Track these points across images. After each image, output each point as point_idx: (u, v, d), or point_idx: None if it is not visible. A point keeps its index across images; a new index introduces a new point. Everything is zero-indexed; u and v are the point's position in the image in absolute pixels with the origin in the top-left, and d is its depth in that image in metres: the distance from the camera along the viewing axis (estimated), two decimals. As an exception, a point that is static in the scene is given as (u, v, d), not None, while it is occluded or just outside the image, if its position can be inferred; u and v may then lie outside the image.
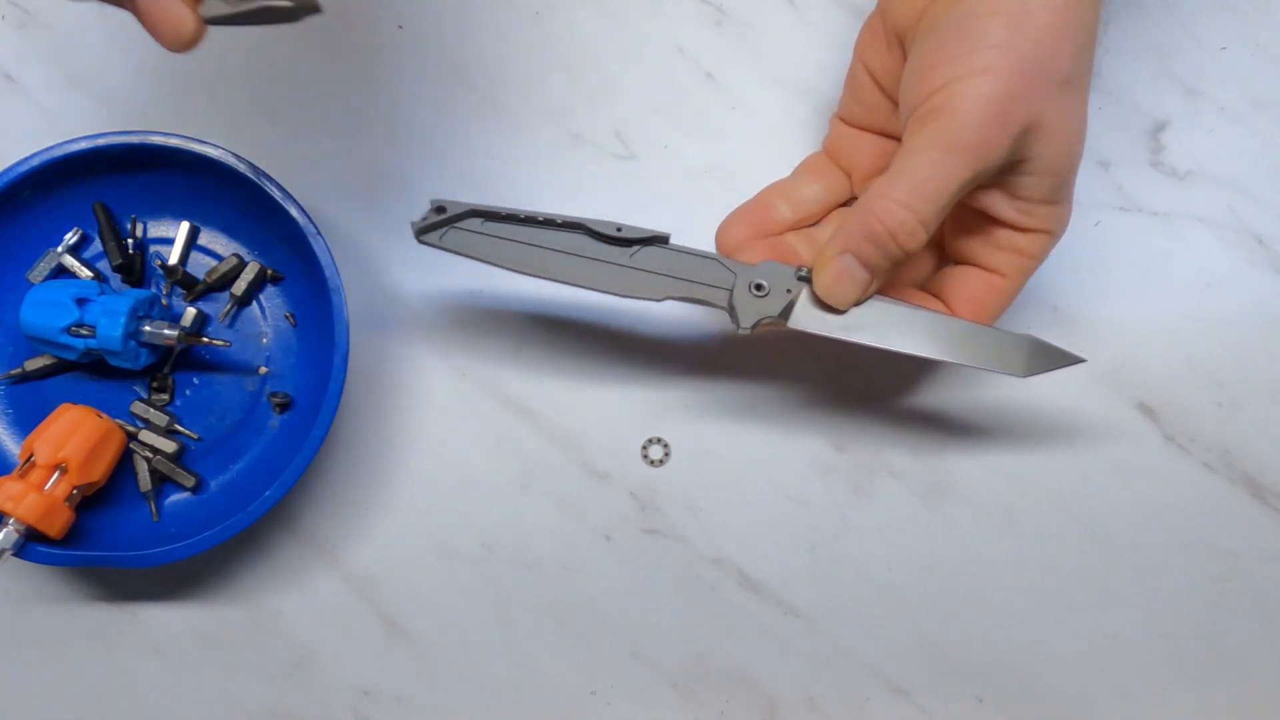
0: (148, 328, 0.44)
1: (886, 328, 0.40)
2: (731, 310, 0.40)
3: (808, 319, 0.40)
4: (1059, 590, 0.48)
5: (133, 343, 0.43)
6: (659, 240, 0.40)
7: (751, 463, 0.48)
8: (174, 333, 0.44)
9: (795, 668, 0.48)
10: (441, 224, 0.40)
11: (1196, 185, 0.49)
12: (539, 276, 0.40)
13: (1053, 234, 0.40)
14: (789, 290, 0.40)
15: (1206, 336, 0.49)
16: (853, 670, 0.48)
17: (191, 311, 0.46)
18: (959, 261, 0.43)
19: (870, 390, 0.49)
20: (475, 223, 0.40)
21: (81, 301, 0.43)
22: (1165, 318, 0.49)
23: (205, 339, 0.45)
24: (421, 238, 0.40)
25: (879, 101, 0.43)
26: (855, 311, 0.40)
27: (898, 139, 0.43)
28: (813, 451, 0.49)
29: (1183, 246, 0.49)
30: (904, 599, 0.48)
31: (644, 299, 0.40)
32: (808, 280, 0.40)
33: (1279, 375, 0.49)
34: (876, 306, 0.40)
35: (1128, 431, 0.49)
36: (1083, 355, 0.41)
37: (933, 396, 0.49)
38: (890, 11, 0.41)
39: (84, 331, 0.42)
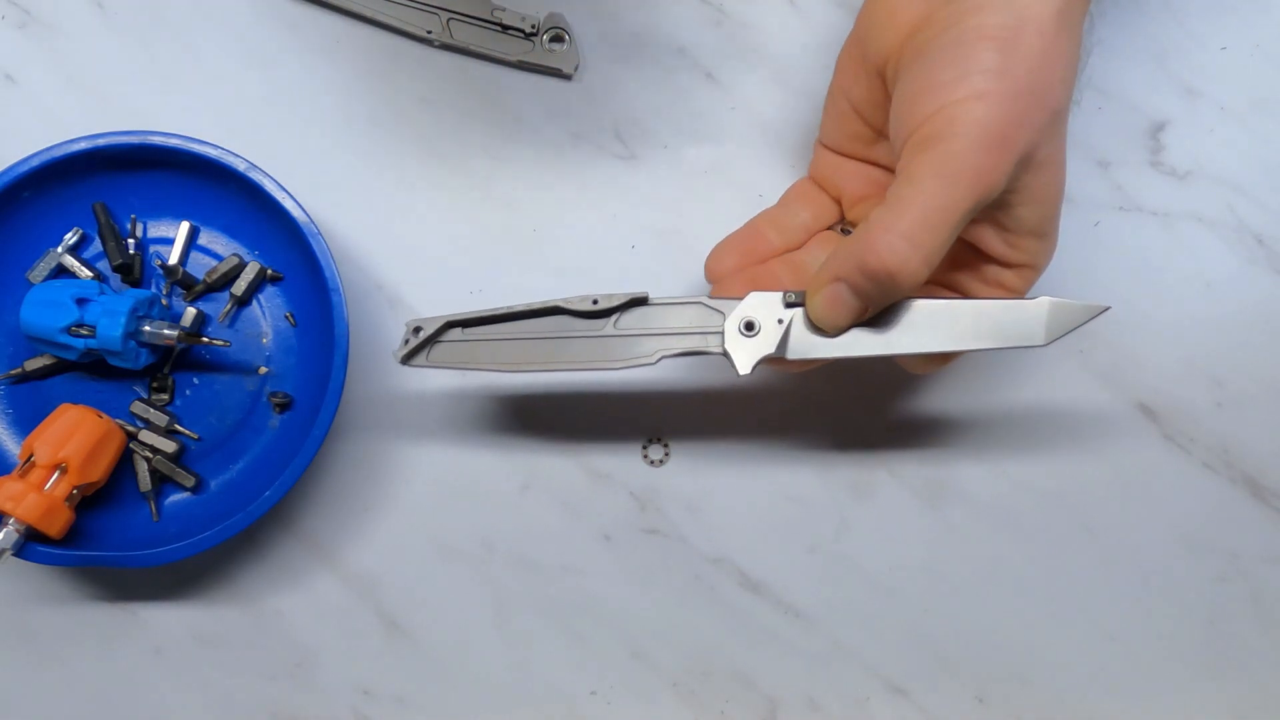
0: (148, 328, 0.44)
1: (891, 332, 0.38)
2: (727, 357, 0.39)
3: (805, 345, 0.39)
4: (1059, 590, 0.48)
5: (133, 343, 0.43)
6: (638, 301, 0.39)
7: (751, 463, 0.48)
8: (174, 333, 0.44)
9: (795, 668, 0.48)
10: (422, 345, 0.40)
11: (1196, 185, 0.49)
12: (531, 371, 0.40)
13: (1037, 269, 0.40)
14: (780, 320, 0.39)
15: (1206, 336, 0.49)
16: (853, 670, 0.48)
17: (191, 311, 0.46)
18: (943, 288, 0.42)
19: (870, 390, 0.49)
20: (455, 333, 0.40)
21: (81, 301, 0.43)
22: (1165, 318, 0.49)
23: (205, 339, 0.45)
24: (408, 363, 0.40)
25: (860, 130, 0.42)
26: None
27: (881, 166, 0.43)
28: (813, 451, 0.48)
29: (1182, 246, 0.49)
30: (904, 599, 0.48)
31: (639, 365, 0.39)
32: (799, 305, 0.38)
33: (1279, 375, 0.49)
34: None
35: (1128, 431, 0.49)
36: (1106, 304, 0.39)
37: (933, 396, 0.49)
38: (869, 41, 0.40)
39: (84, 331, 0.42)
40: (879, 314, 0.38)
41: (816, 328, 0.38)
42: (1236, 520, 0.48)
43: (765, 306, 0.39)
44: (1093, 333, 0.48)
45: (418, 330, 0.40)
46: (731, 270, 0.43)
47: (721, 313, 0.39)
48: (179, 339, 0.44)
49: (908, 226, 0.35)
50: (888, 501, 0.48)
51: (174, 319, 0.46)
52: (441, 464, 0.48)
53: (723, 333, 0.39)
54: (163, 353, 0.46)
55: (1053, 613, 0.48)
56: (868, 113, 0.42)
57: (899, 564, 0.48)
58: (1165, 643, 0.48)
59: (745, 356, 0.39)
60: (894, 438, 0.49)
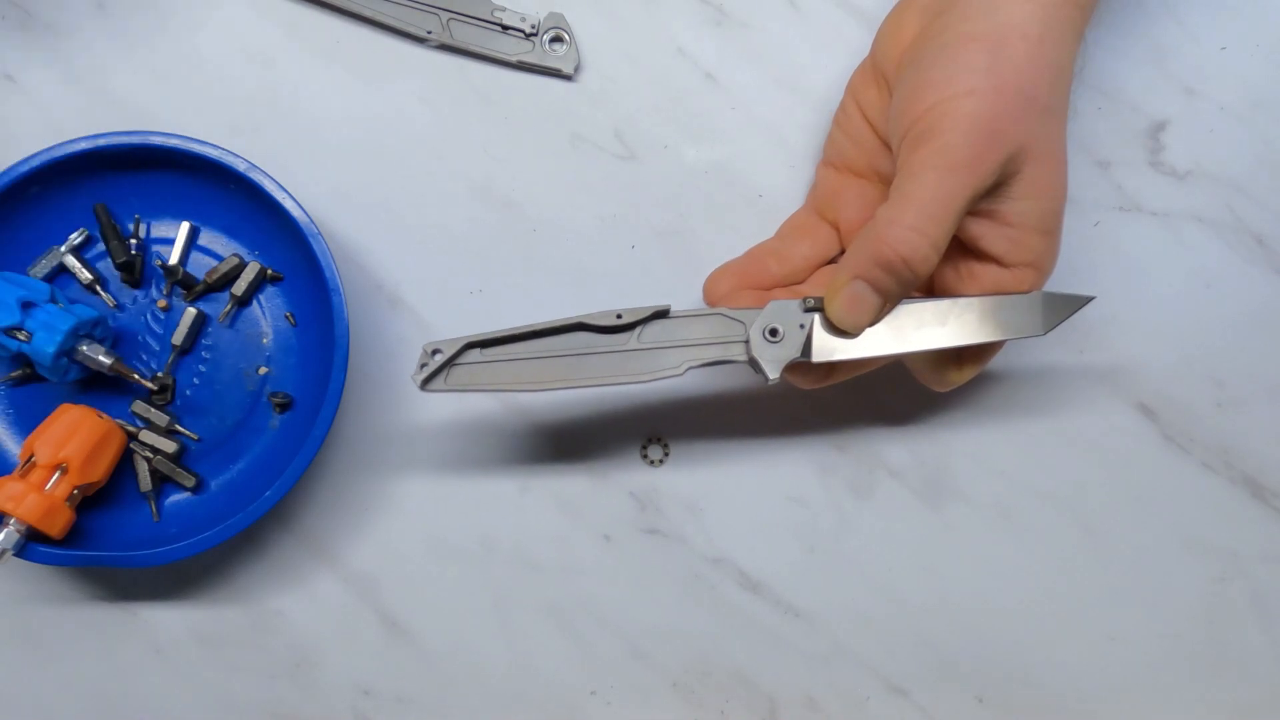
0: (84, 348, 0.43)
1: (904, 330, 0.40)
2: (754, 364, 0.40)
3: (827, 348, 0.40)
4: (1059, 590, 0.48)
5: (64, 359, 0.43)
6: (660, 314, 0.40)
7: (751, 463, 0.48)
8: (109, 360, 0.43)
9: (795, 668, 0.48)
10: (441, 368, 0.39)
11: (1196, 185, 0.49)
12: (557, 388, 0.40)
13: (1041, 270, 0.41)
14: (801, 325, 0.40)
15: (1206, 336, 0.49)
16: (853, 670, 0.48)
17: (192, 312, 0.46)
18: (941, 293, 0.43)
19: (870, 390, 0.49)
20: (474, 354, 0.39)
21: (27, 305, 0.42)
22: (1165, 318, 0.49)
23: (135, 376, 0.45)
24: (426, 387, 0.39)
25: (868, 136, 0.44)
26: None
27: (883, 180, 0.44)
28: (813, 451, 0.49)
29: (1182, 246, 0.49)
30: (904, 598, 0.48)
31: (666, 378, 0.40)
32: (817, 310, 0.40)
33: (1279, 375, 0.49)
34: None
35: (1128, 431, 0.49)
36: (1092, 294, 0.42)
37: (933, 397, 0.48)
38: (879, 53, 0.43)
39: (20, 336, 0.42)
40: (892, 318, 0.40)
41: (836, 330, 0.40)
42: (1236, 520, 0.48)
43: (785, 312, 0.40)
44: (1093, 333, 0.48)
45: (435, 353, 0.39)
46: (726, 294, 0.44)
47: (741, 322, 0.40)
48: (110, 369, 0.44)
49: (913, 218, 0.37)
50: (888, 501, 0.48)
51: (169, 323, 0.46)
52: (441, 464, 0.48)
53: (746, 341, 0.40)
54: (91, 371, 0.45)
55: (1053, 613, 0.48)
56: (874, 118, 0.44)
57: (899, 564, 0.48)
58: (1165, 643, 0.48)
59: (772, 362, 0.40)
60: (894, 438, 0.49)
